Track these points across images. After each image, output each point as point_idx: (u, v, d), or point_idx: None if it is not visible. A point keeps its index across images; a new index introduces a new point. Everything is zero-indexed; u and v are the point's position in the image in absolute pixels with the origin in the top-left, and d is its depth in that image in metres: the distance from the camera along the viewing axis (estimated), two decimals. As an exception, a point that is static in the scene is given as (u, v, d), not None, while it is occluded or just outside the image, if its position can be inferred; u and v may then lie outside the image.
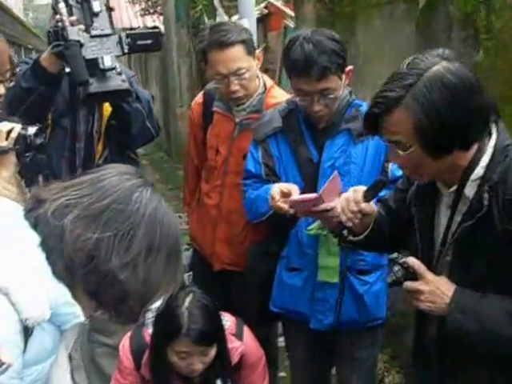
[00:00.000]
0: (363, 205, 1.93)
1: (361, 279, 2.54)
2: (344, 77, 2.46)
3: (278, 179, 2.62)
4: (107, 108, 2.79)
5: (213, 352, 2.33)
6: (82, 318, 1.32)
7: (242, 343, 2.46)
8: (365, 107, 2.56)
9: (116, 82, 2.49)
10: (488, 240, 1.63)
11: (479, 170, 1.65)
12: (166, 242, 1.34)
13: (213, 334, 2.33)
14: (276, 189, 2.43)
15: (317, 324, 2.58)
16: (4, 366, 1.16)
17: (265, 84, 2.89)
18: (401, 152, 1.63)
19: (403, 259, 1.77)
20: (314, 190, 2.54)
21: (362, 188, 1.96)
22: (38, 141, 2.12)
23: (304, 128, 2.56)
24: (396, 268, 1.76)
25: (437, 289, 1.69)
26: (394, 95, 1.57)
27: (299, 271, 2.60)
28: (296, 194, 2.43)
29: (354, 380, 2.67)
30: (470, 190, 1.67)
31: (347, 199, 1.95)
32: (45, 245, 1.29)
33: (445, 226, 1.75)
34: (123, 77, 2.51)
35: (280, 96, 2.86)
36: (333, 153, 2.51)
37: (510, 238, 1.59)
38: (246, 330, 2.53)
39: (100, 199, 1.30)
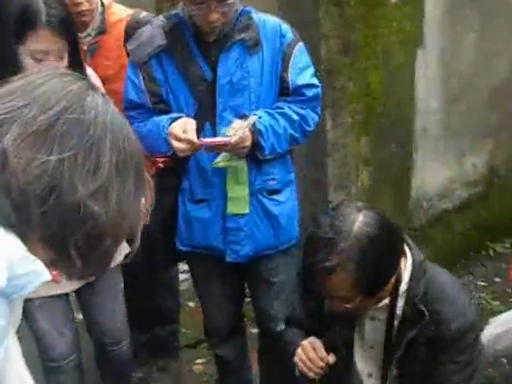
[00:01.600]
0: (329, 358, 1.92)
1: (274, 199, 2.38)
2: None
3: (167, 106, 2.35)
4: None
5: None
6: (47, 276, 0.96)
7: None
8: (254, 14, 2.35)
9: None
10: (425, 345, 1.82)
11: (403, 286, 1.83)
12: (132, 157, 1.02)
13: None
14: (178, 130, 2.18)
15: (233, 256, 2.39)
16: None
17: (102, 2, 2.65)
18: (346, 305, 1.77)
19: None
20: (212, 112, 2.32)
21: (316, 340, 1.95)
22: None
23: (192, 43, 2.30)
24: None
25: None
26: (332, 264, 1.67)
27: (206, 202, 2.37)
28: (192, 129, 2.18)
29: (276, 305, 2.52)
30: (398, 305, 1.84)
31: (312, 360, 1.91)
32: None
33: (378, 337, 1.90)
34: None
35: (120, 12, 2.69)
36: (229, 67, 2.28)
37: (437, 341, 1.81)
38: None
39: (45, 109, 0.94)
